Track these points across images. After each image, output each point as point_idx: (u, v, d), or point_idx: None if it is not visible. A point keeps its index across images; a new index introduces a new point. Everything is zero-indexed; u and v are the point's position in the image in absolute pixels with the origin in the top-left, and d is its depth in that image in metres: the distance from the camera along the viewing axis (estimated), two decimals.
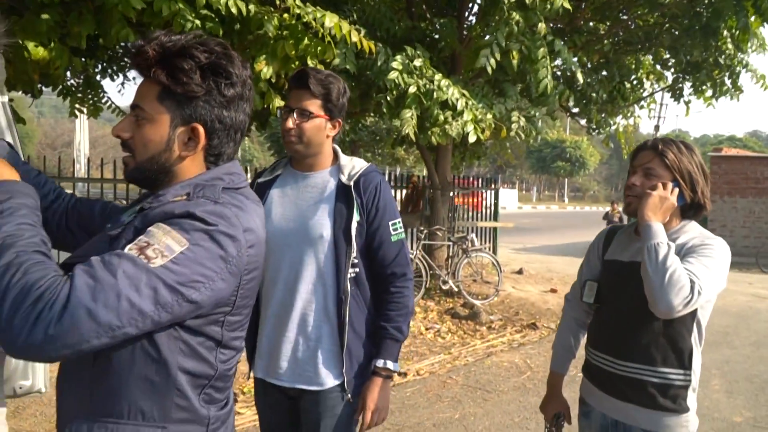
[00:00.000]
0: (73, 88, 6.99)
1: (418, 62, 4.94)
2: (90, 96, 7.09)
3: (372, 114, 8.24)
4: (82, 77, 7.09)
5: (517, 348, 6.11)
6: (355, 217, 1.86)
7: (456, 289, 8.07)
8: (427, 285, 7.96)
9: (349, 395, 1.88)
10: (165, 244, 1.01)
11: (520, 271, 10.40)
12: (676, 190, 1.76)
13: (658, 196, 1.72)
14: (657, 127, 24.66)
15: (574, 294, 2.09)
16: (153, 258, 0.99)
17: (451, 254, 8.59)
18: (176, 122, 1.14)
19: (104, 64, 7.33)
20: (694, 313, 1.73)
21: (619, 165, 69.96)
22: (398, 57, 4.86)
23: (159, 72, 1.11)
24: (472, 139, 5.15)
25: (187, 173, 1.17)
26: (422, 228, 8.15)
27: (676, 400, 1.75)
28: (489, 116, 5.37)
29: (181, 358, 1.09)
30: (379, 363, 1.87)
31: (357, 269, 1.88)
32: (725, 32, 6.88)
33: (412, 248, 8.23)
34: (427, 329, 6.84)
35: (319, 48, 4.21)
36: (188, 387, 1.11)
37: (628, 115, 9.58)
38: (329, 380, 1.88)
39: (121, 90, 10.38)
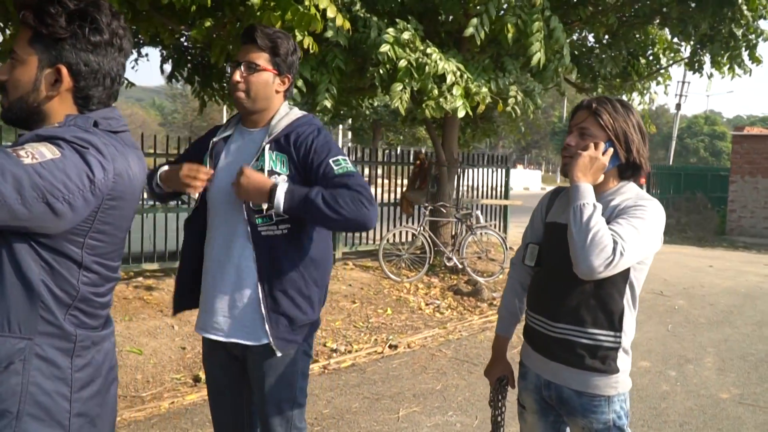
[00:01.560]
0: None
1: (406, 35, 4.88)
2: None
3: (377, 92, 8.20)
4: None
5: None
6: (279, 170, 1.86)
7: (460, 266, 8.06)
8: (431, 261, 7.97)
9: (277, 351, 1.89)
10: (38, 149, 1.08)
11: None
12: (611, 150, 1.73)
13: (588, 156, 1.69)
14: (678, 106, 24.04)
15: (518, 257, 2.08)
16: (24, 157, 1.05)
17: (456, 231, 8.56)
18: (43, 64, 1.21)
19: None
20: (626, 275, 1.71)
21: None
22: (390, 30, 4.81)
23: (27, 15, 1.18)
24: (460, 114, 5.09)
25: (58, 114, 1.23)
26: (427, 204, 8.14)
27: (605, 361, 1.74)
28: (484, 90, 5.30)
29: (43, 274, 1.14)
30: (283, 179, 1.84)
31: (288, 225, 1.87)
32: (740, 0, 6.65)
33: (416, 225, 8.23)
34: (427, 304, 6.86)
35: (304, 19, 4.19)
36: (53, 303, 1.16)
37: (644, 91, 9.37)
38: (264, 336, 1.90)
39: (135, 66, 10.53)
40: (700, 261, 10.56)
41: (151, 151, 7.02)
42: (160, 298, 6.01)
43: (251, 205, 1.86)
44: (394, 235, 8.36)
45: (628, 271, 1.71)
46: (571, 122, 1.83)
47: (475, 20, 4.99)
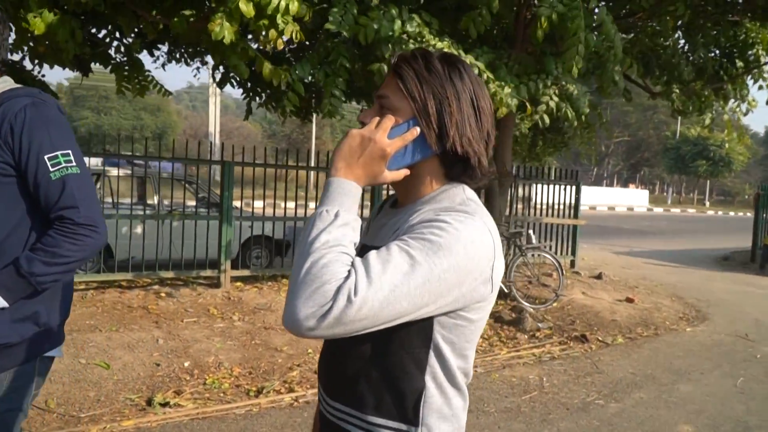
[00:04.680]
0: (119, 66, 7.07)
1: (410, 27, 4.28)
2: (135, 75, 7.13)
3: None
4: (125, 56, 7.17)
5: (545, 362, 5.25)
6: None
7: (507, 290, 7.25)
8: None
9: None
10: None
11: (599, 276, 9.22)
12: (415, 130, 1.09)
13: (358, 137, 1.06)
14: None
15: None
16: None
17: (505, 252, 7.75)
18: None
19: (143, 41, 7.31)
20: (427, 335, 1.06)
21: None
22: (396, 23, 4.21)
23: None
24: None
25: None
26: None
27: None
28: (506, 90, 4.56)
29: None
30: None
31: None
32: None
33: None
34: None
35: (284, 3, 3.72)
36: None
37: (738, 98, 8.07)
38: None
39: (158, 65, 10.46)
40: None
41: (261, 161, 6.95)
42: (165, 308, 5.77)
43: None
44: None
45: (430, 328, 1.05)
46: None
47: (473, 13, 4.34)
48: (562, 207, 9.72)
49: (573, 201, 9.66)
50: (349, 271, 0.93)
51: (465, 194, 1.12)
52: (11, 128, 1.42)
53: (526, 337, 6.15)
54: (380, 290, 0.92)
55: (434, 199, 1.12)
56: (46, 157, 1.43)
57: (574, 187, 9.63)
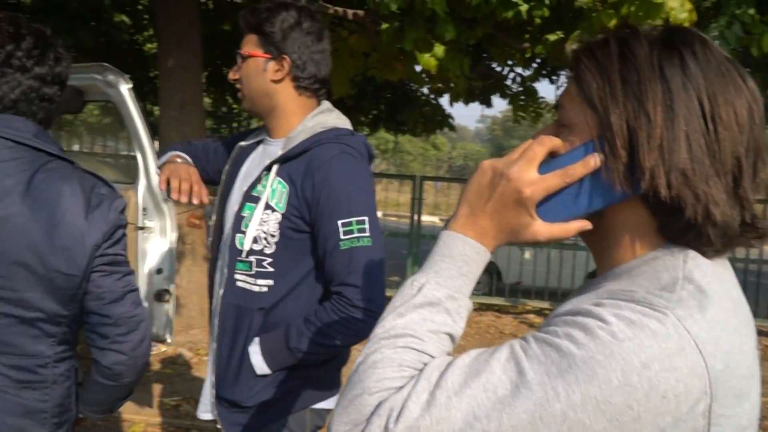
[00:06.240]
0: (515, 96, 7.34)
1: None
2: (530, 103, 7.30)
3: None
4: (520, 86, 7.39)
5: None
6: (275, 205, 1.37)
7: None
8: None
9: (223, 429, 1.47)
10: None
11: None
12: (592, 158, 0.65)
13: (490, 170, 0.68)
14: None
15: None
16: None
17: None
18: None
19: (538, 68, 7.36)
20: None
21: None
22: None
23: None
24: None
25: None
26: None
27: None
28: None
29: None
30: (255, 340, 1.39)
31: (271, 281, 1.39)
32: None
33: None
34: None
35: (642, 10, 3.17)
36: None
37: None
38: (212, 410, 1.50)
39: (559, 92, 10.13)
40: None
41: None
42: None
43: (236, 242, 1.41)
44: None
45: None
46: None
47: None
48: None
49: None
50: (411, 378, 0.60)
51: (684, 270, 0.62)
52: (313, 183, 1.32)
53: None
54: (444, 421, 0.56)
55: (630, 272, 0.65)
56: (339, 222, 1.30)
57: None
